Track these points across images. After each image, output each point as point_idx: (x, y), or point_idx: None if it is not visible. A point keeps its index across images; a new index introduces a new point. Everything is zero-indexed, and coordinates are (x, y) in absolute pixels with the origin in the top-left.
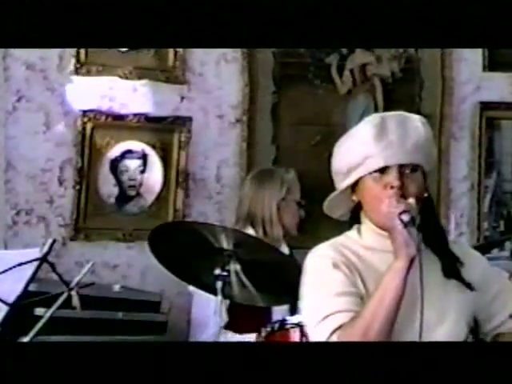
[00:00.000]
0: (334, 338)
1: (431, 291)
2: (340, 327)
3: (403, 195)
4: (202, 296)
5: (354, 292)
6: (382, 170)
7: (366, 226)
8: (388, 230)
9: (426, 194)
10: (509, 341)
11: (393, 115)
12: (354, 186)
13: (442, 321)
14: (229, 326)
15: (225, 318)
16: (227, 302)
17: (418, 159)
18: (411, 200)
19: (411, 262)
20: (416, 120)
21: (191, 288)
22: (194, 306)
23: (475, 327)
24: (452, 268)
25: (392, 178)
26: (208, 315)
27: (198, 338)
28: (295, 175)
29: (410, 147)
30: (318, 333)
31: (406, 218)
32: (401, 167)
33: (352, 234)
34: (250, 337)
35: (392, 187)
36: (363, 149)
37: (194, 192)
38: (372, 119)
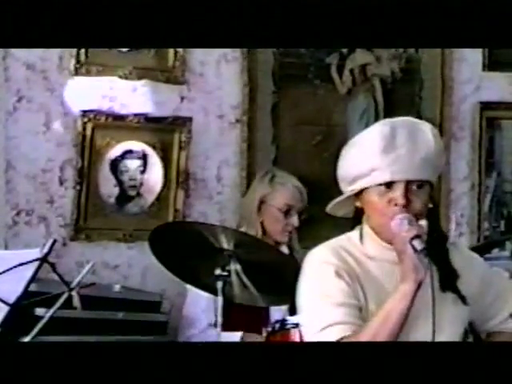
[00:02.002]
0: None
1: (428, 304)
2: (340, 340)
3: (408, 212)
4: (194, 293)
5: (355, 304)
6: (388, 185)
7: (368, 231)
8: (396, 251)
9: (430, 205)
10: (503, 339)
11: (403, 124)
12: (358, 193)
13: (438, 332)
14: (227, 326)
15: (219, 318)
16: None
17: (426, 175)
18: (423, 222)
19: (419, 286)
20: (427, 131)
21: (187, 286)
22: (186, 303)
23: (469, 326)
24: (449, 281)
25: (398, 194)
26: (197, 312)
27: (186, 333)
28: (289, 180)
29: (419, 162)
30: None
31: (419, 245)
32: (407, 183)
33: (354, 237)
34: (235, 335)
35: (396, 204)
36: (370, 160)
37: (194, 192)
38: (382, 129)
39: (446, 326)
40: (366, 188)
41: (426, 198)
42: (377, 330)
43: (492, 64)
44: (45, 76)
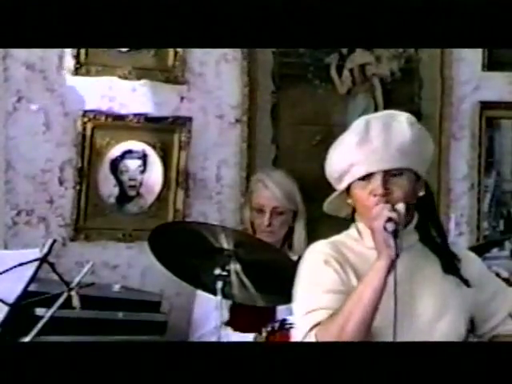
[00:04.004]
0: (313, 334)
1: (430, 288)
2: (319, 323)
3: (388, 201)
4: (204, 294)
5: (342, 290)
6: (368, 177)
7: (363, 225)
8: (371, 232)
9: (421, 193)
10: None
11: (379, 118)
12: (348, 190)
13: (441, 316)
14: (232, 325)
15: (225, 315)
16: (229, 301)
17: (405, 162)
18: (400, 205)
19: (393, 262)
20: (403, 121)
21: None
22: (196, 304)
23: (471, 329)
24: (451, 264)
25: (376, 185)
26: (209, 312)
27: (198, 333)
28: (270, 179)
29: (395, 151)
30: (300, 327)
31: (390, 227)
32: (385, 173)
33: (351, 233)
34: (249, 336)
35: (376, 195)
36: (348, 157)
37: (194, 192)
38: (357, 124)
39: (450, 308)
40: (351, 185)
41: (407, 185)
42: (351, 308)
43: (491, 64)
44: (44, 76)
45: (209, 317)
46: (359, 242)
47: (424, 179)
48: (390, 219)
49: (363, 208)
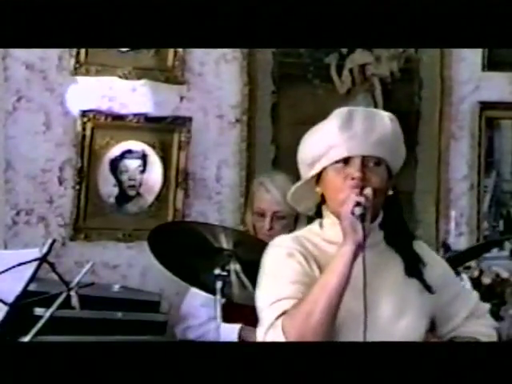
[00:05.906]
0: (279, 323)
1: (392, 288)
2: (285, 312)
3: (364, 187)
4: (196, 290)
5: (307, 281)
6: (345, 161)
7: (329, 220)
8: (340, 218)
9: (391, 192)
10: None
11: (361, 110)
12: (318, 179)
13: (401, 315)
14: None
15: (219, 316)
16: (222, 300)
17: (383, 153)
18: (367, 190)
19: (358, 248)
20: (384, 116)
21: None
22: (186, 297)
23: (432, 329)
24: (414, 268)
25: (354, 169)
26: (196, 306)
27: (183, 325)
28: (272, 183)
29: (375, 140)
30: (265, 318)
31: (357, 211)
32: (364, 159)
33: (314, 227)
34: (234, 327)
35: (353, 178)
36: (328, 139)
37: (193, 192)
38: (339, 112)
39: (411, 309)
40: (325, 169)
41: (382, 175)
42: (316, 295)
43: (491, 64)
44: (44, 76)
45: (198, 311)
46: (320, 235)
47: (393, 180)
48: (358, 204)
49: (334, 193)
